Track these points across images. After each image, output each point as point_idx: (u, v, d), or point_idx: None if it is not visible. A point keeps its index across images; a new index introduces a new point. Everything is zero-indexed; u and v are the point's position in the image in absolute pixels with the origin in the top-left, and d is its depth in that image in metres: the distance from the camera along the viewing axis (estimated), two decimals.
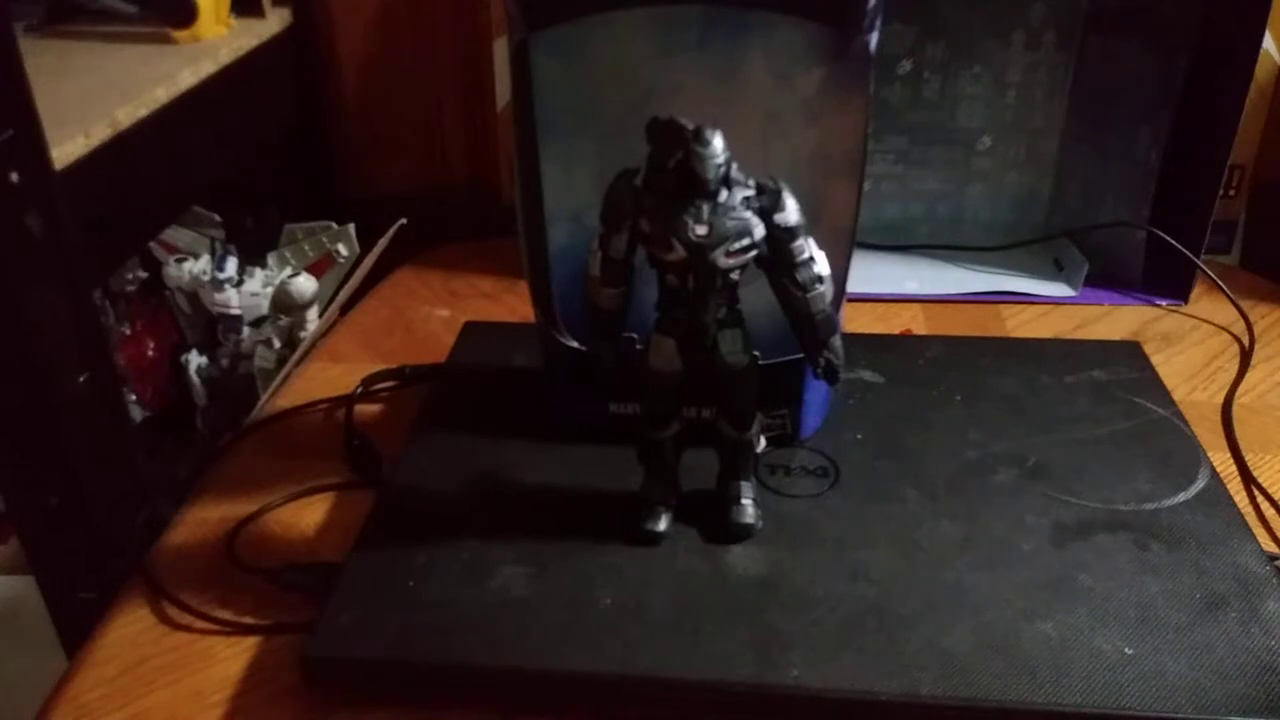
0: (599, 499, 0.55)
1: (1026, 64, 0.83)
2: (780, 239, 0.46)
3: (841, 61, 0.52)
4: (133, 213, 0.72)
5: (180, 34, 0.80)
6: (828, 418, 0.60)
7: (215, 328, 0.96)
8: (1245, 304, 0.77)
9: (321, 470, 0.61)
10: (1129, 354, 0.67)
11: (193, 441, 0.97)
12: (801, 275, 0.47)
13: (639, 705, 0.46)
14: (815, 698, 0.44)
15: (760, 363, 0.50)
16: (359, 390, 0.68)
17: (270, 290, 0.94)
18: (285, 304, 0.94)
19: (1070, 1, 0.81)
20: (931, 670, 0.44)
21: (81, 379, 0.57)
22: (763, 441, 0.55)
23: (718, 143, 0.44)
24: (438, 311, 0.80)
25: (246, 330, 0.94)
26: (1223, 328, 0.75)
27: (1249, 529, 0.52)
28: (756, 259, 0.46)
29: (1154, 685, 0.43)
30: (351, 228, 0.94)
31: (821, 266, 0.47)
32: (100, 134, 0.63)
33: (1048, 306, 0.79)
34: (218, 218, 0.96)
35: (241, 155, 0.89)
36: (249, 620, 0.51)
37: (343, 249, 0.95)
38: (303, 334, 0.93)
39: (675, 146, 0.44)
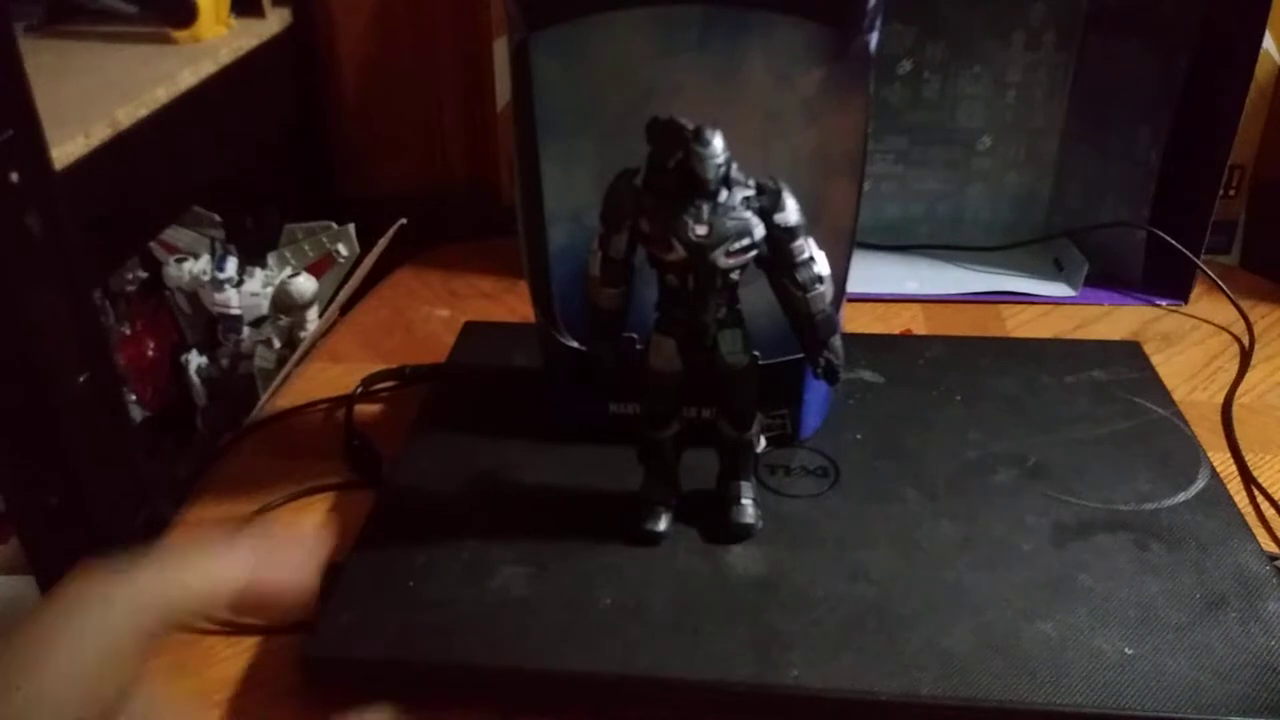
0: (599, 499, 0.55)
1: (1026, 64, 0.83)
2: (780, 239, 0.46)
3: (841, 61, 0.52)
4: (133, 213, 0.72)
5: (180, 34, 0.80)
6: (828, 418, 0.60)
7: (215, 328, 0.96)
8: (1245, 304, 0.77)
9: (321, 470, 0.61)
10: (1129, 354, 0.67)
11: (193, 441, 0.97)
12: (801, 275, 0.47)
13: (639, 705, 0.46)
14: (815, 698, 0.44)
15: (760, 363, 0.50)
16: (359, 390, 0.68)
17: (270, 290, 0.94)
18: (285, 304, 0.94)
19: (1070, 1, 0.81)
20: (931, 670, 0.44)
21: (81, 379, 0.57)
22: (763, 441, 0.55)
23: (718, 143, 0.44)
24: (438, 311, 0.80)
25: (246, 330, 0.94)
26: (1223, 328, 0.75)
27: (1249, 529, 0.52)
28: (756, 259, 0.46)
29: (1154, 685, 0.43)
30: (351, 228, 0.94)
31: (821, 266, 0.47)
32: (100, 134, 0.63)
33: (1048, 306, 0.79)
34: (218, 218, 0.96)
35: (241, 155, 0.89)
36: (249, 620, 0.51)
37: (343, 249, 0.95)
38: (303, 334, 0.93)
39: (675, 146, 0.44)
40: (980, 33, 0.82)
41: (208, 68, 0.77)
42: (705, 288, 0.46)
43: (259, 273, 0.95)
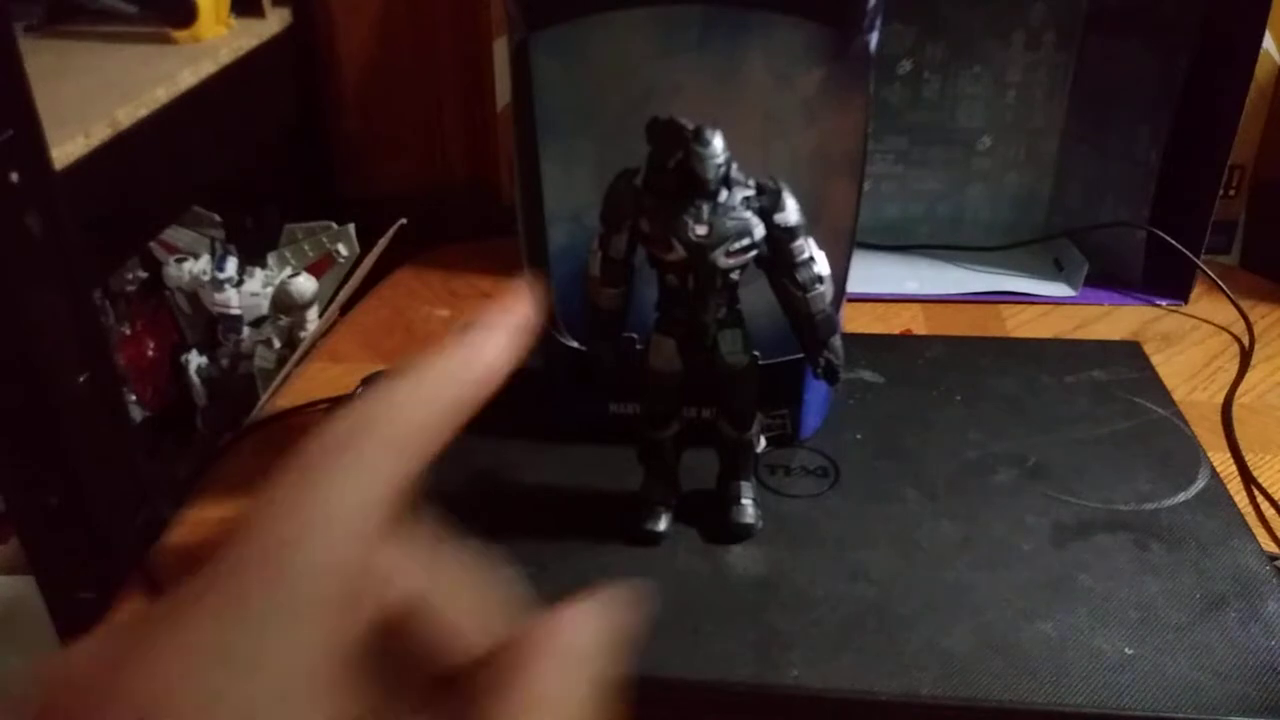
0: (599, 499, 0.55)
1: (1026, 64, 0.83)
2: (780, 239, 0.46)
3: (841, 61, 0.52)
4: (133, 213, 0.72)
5: (180, 34, 0.80)
6: (828, 418, 0.60)
7: (215, 328, 0.96)
8: (1245, 304, 0.77)
9: None
10: (1129, 354, 0.67)
11: (193, 441, 0.97)
12: (801, 275, 0.47)
13: (638, 705, 0.46)
14: (815, 698, 0.44)
15: (760, 363, 0.50)
16: (359, 390, 0.68)
17: (270, 290, 0.94)
18: (285, 304, 0.94)
19: (1070, 1, 0.81)
20: (931, 670, 0.44)
21: (81, 379, 0.57)
22: (763, 441, 0.55)
23: (718, 143, 0.44)
24: (438, 311, 0.80)
25: (246, 330, 0.94)
26: (1223, 328, 0.75)
27: (1249, 529, 0.52)
28: (756, 259, 0.46)
29: (1154, 685, 0.43)
30: (351, 228, 0.94)
31: (821, 266, 0.47)
32: (100, 134, 0.63)
33: (1048, 306, 0.79)
34: (218, 218, 0.96)
35: (241, 155, 0.89)
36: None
37: (343, 249, 0.95)
38: (303, 334, 0.93)
39: (675, 146, 0.44)
40: (980, 33, 0.82)
41: (208, 68, 0.77)
42: (705, 288, 0.46)
43: (259, 273, 0.95)
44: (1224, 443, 0.63)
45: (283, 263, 0.96)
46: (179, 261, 0.94)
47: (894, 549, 0.51)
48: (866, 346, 0.67)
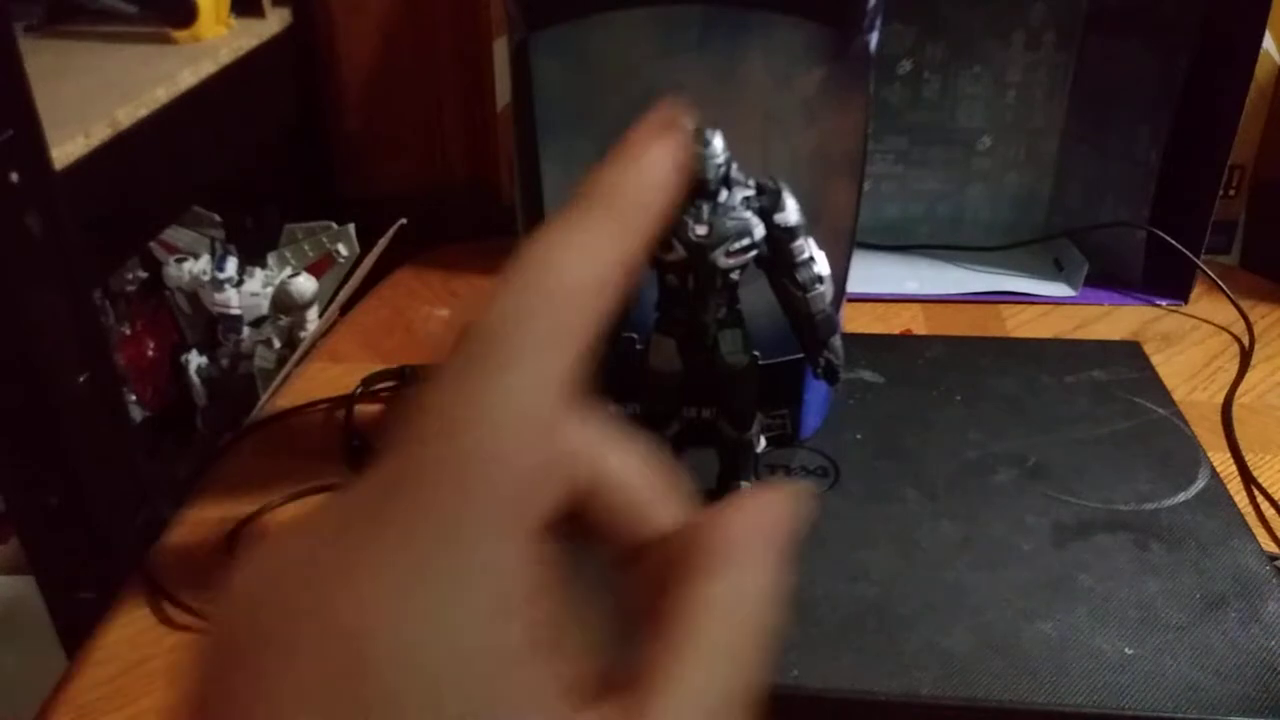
0: None
1: (1026, 64, 0.83)
2: (780, 239, 0.46)
3: (841, 61, 0.52)
4: (133, 213, 0.72)
5: (180, 34, 0.80)
6: (828, 418, 0.60)
7: (215, 328, 0.96)
8: (1245, 304, 0.77)
9: (321, 470, 0.61)
10: (1129, 354, 0.67)
11: (193, 441, 0.97)
12: (801, 275, 0.47)
13: None
14: (815, 698, 0.44)
15: (760, 363, 0.50)
16: (359, 390, 0.68)
17: (270, 290, 0.94)
18: (285, 304, 0.94)
19: (1070, 1, 0.81)
20: (931, 670, 0.44)
21: (81, 379, 0.57)
22: (763, 441, 0.55)
23: (718, 143, 0.44)
24: (438, 311, 0.80)
25: (246, 330, 0.94)
26: (1223, 328, 0.75)
27: (1249, 529, 0.52)
28: (756, 259, 0.46)
29: (1154, 685, 0.43)
30: (351, 228, 0.94)
31: (821, 266, 0.47)
32: (100, 134, 0.63)
33: (1048, 306, 0.79)
34: (218, 218, 0.96)
35: (241, 155, 0.89)
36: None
37: (343, 249, 0.95)
38: (303, 334, 0.93)
39: None
40: (980, 33, 0.82)
41: (208, 68, 0.77)
42: (705, 288, 0.46)
43: (259, 273, 0.95)
44: (1224, 443, 0.63)
45: (283, 263, 0.96)
46: (179, 261, 0.94)
47: (894, 549, 0.51)
48: (866, 346, 0.67)
